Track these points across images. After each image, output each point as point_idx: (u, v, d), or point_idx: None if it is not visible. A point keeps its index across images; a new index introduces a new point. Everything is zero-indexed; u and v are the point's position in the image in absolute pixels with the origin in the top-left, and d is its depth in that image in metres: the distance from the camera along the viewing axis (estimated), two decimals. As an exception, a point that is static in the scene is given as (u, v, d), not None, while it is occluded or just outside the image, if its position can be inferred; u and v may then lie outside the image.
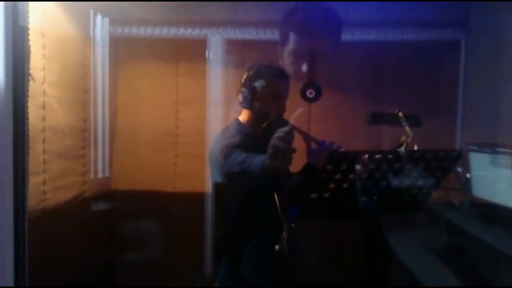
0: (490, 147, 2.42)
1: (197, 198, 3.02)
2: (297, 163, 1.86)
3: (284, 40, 2.76)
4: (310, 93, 2.86)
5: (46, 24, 2.42)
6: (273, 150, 1.56)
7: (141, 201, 3.26)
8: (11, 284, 0.99)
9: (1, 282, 0.99)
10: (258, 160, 1.71)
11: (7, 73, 0.90)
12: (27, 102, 0.97)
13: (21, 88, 0.93)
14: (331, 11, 2.77)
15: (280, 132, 1.58)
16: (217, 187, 2.07)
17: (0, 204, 0.92)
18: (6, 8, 0.92)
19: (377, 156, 1.58)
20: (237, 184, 1.94)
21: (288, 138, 1.58)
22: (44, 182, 2.50)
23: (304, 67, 2.67)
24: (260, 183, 1.80)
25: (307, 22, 2.73)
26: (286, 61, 2.66)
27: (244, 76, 2.06)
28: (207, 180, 2.86)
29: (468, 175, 2.52)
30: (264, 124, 1.99)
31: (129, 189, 3.30)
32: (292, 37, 2.67)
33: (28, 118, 0.97)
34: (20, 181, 0.93)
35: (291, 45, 2.57)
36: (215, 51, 3.17)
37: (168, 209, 3.30)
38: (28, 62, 0.94)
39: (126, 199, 3.28)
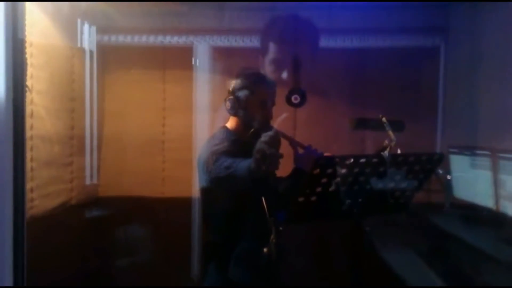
0: (469, 149, 2.49)
1: (185, 203, 3.05)
2: (284, 168, 1.90)
3: (264, 50, 2.83)
4: (295, 98, 2.93)
5: (33, 33, 2.43)
6: (258, 154, 1.60)
7: (129, 207, 3.26)
8: (11, 284, 1.02)
9: (1, 282, 1.02)
10: (244, 164, 1.74)
11: (7, 85, 0.93)
12: (25, 112, 1.00)
13: (21, 99, 0.96)
14: (308, 22, 2.84)
15: (265, 136, 1.61)
16: (205, 192, 2.10)
17: (1, 207, 0.95)
18: (7, 22, 0.95)
19: (362, 160, 1.64)
20: (224, 189, 1.97)
21: (272, 142, 1.61)
22: (31, 190, 2.50)
23: (285, 75, 2.74)
24: (246, 187, 1.82)
25: (285, 32, 2.81)
26: (267, 70, 2.73)
27: (232, 84, 2.09)
28: (194, 185, 2.89)
29: (449, 177, 2.58)
30: (251, 131, 2.03)
31: (116, 195, 3.31)
32: (271, 47, 2.74)
33: (25, 127, 1.00)
34: (20, 186, 0.97)
35: (271, 54, 2.64)
36: (201, 59, 3.21)
37: (156, 214, 3.31)
38: (25, 74, 0.98)
39: (113, 206, 3.28)
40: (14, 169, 0.95)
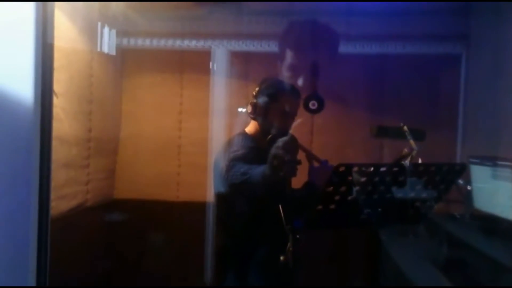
0: (491, 160, 2.44)
1: (200, 207, 3.04)
2: (296, 179, 1.89)
3: (282, 55, 2.82)
4: (313, 104, 2.90)
5: (55, 35, 2.45)
6: (272, 159, 1.58)
7: (144, 210, 3.27)
8: (34, 284, 1.03)
9: (25, 282, 1.02)
10: (260, 170, 1.72)
11: (36, 91, 0.93)
12: (52, 117, 1.00)
13: (49, 105, 0.97)
14: (327, 27, 2.83)
15: (280, 141, 1.60)
16: (220, 197, 2.08)
17: (26, 208, 0.96)
18: (37, 26, 0.96)
19: (382, 169, 1.61)
20: (240, 195, 1.96)
21: (287, 147, 1.59)
22: (49, 191, 2.51)
23: (302, 81, 2.72)
24: (262, 193, 1.81)
25: (303, 38, 2.79)
26: (284, 75, 2.72)
27: (257, 89, 2.07)
28: (209, 190, 2.88)
29: (469, 187, 2.54)
30: (269, 137, 2.00)
31: (132, 198, 3.32)
32: (289, 52, 2.73)
33: (52, 132, 1.01)
34: (45, 187, 0.97)
35: (288, 60, 2.63)
36: (219, 63, 3.21)
37: (171, 218, 3.31)
38: (53, 79, 0.98)
39: (128, 208, 3.29)
40: (40, 175, 0.96)
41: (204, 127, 3.12)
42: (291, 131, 2.08)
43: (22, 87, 0.97)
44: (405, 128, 1.74)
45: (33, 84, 0.95)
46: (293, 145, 1.63)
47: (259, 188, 1.74)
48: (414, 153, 1.64)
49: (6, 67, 0.97)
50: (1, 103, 0.96)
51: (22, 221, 1.01)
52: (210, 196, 2.86)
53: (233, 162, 1.88)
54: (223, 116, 3.07)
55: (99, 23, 2.89)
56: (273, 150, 1.59)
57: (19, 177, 1.00)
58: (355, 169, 1.58)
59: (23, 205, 1.01)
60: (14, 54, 0.97)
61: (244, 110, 2.08)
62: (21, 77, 0.96)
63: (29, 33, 0.98)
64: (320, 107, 2.91)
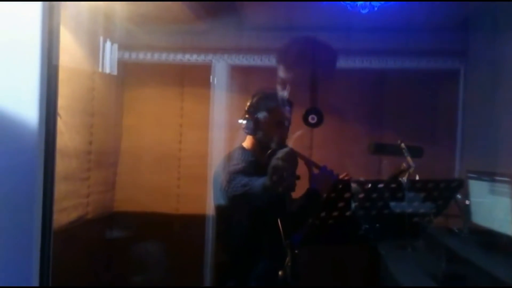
0: (489, 175, 2.45)
1: (199, 220, 3.05)
2: (299, 188, 1.90)
3: (281, 69, 2.85)
4: (312, 118, 2.92)
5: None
6: (272, 170, 1.60)
7: (144, 223, 3.28)
8: (37, 284, 1.05)
9: (28, 283, 1.05)
10: (260, 181, 1.74)
11: (41, 112, 0.95)
12: (56, 138, 1.03)
13: (53, 126, 0.99)
14: (325, 44, 2.86)
15: (280, 153, 1.62)
16: (220, 211, 2.09)
17: (30, 211, 0.98)
18: (42, 47, 0.98)
19: (380, 185, 1.62)
20: (241, 207, 1.97)
21: (287, 158, 1.61)
22: (49, 204, 2.51)
23: (301, 95, 2.74)
24: (262, 205, 1.82)
25: (302, 53, 2.82)
26: (283, 89, 2.74)
27: (248, 103, 2.10)
28: (209, 202, 2.89)
29: (467, 202, 2.54)
30: (268, 152, 2.02)
31: (132, 210, 3.33)
32: (288, 66, 2.76)
33: (56, 154, 1.03)
34: (49, 198, 0.99)
35: (287, 74, 2.65)
36: (219, 77, 3.24)
37: (170, 231, 3.31)
38: (57, 100, 1.00)
39: (129, 221, 3.29)
40: (44, 190, 0.98)
41: (204, 140, 3.14)
42: (290, 144, 2.11)
43: (27, 107, 0.99)
44: (403, 145, 1.75)
45: (38, 105, 0.97)
46: (292, 156, 1.65)
47: (260, 199, 1.76)
48: (411, 170, 1.66)
49: (11, 87, 0.99)
50: (6, 124, 0.98)
51: (26, 223, 1.03)
52: (210, 208, 2.88)
53: (233, 175, 1.90)
54: (223, 129, 3.09)
55: (101, 37, 2.92)
56: (273, 162, 1.61)
57: (23, 183, 1.03)
58: (354, 185, 1.60)
59: (28, 206, 1.03)
60: (20, 75, 0.99)
61: (243, 122, 2.10)
62: (26, 98, 0.98)
63: (35, 54, 1.00)
64: (319, 121, 2.94)
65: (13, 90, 0.96)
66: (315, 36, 2.94)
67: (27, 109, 0.98)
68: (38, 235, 1.05)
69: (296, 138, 2.18)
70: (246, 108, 2.10)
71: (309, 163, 2.15)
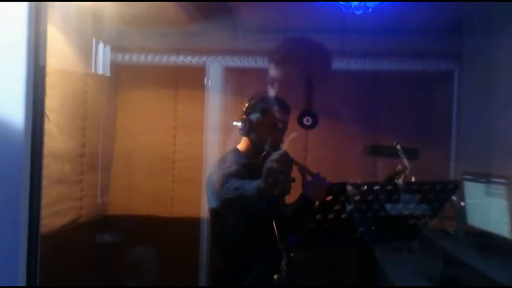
0: (484, 176, 2.45)
1: (194, 223, 3.04)
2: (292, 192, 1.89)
3: (275, 71, 2.84)
4: (307, 120, 2.92)
5: (48, 51, 2.45)
6: (267, 172, 1.58)
7: (138, 226, 3.26)
8: (24, 284, 1.04)
9: (15, 282, 1.03)
10: (254, 184, 1.72)
11: (27, 114, 0.94)
12: (43, 140, 1.01)
13: (40, 128, 0.97)
14: (320, 44, 2.85)
15: (274, 155, 1.60)
16: (214, 214, 2.08)
17: (17, 210, 0.96)
18: (28, 49, 0.96)
19: (376, 187, 1.61)
20: (234, 210, 1.95)
21: (281, 160, 1.59)
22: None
23: (296, 97, 2.73)
24: (256, 207, 1.80)
25: (295, 54, 2.82)
26: (277, 91, 2.73)
27: (246, 105, 2.09)
28: (203, 205, 2.87)
29: (462, 204, 2.54)
30: (263, 154, 2.01)
31: (126, 214, 3.31)
32: (281, 68, 2.75)
33: (43, 156, 1.01)
34: (36, 198, 0.97)
35: (281, 76, 2.65)
36: (213, 79, 3.23)
37: (164, 234, 3.30)
38: (44, 102, 0.98)
39: (122, 224, 3.28)
40: (31, 197, 0.96)
41: (199, 142, 3.13)
42: (285, 146, 2.09)
43: (13, 109, 0.97)
44: (398, 147, 1.74)
45: (24, 107, 0.95)
46: (286, 159, 1.63)
47: (253, 202, 1.73)
48: (407, 171, 1.65)
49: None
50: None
51: (13, 221, 1.02)
52: (204, 211, 2.87)
53: (226, 178, 1.88)
54: (217, 131, 3.08)
55: (94, 39, 2.90)
56: (267, 164, 1.59)
57: (9, 184, 1.01)
58: (349, 187, 1.58)
59: (15, 206, 1.02)
60: (5, 76, 0.98)
61: (238, 124, 2.09)
62: (12, 100, 0.96)
63: (21, 55, 0.98)
64: (314, 123, 2.93)
65: (-1, 92, 0.95)
66: (308, 36, 2.94)
67: (13, 111, 0.96)
68: (24, 234, 1.04)
69: (290, 140, 2.16)
70: (243, 109, 2.09)
71: (303, 170, 2.12)
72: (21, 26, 0.97)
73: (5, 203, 1.00)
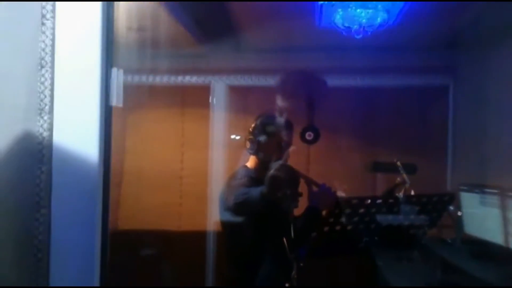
0: (479, 187, 2.55)
1: (200, 236, 3.12)
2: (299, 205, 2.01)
3: (279, 89, 2.96)
4: (309, 135, 3.03)
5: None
6: (269, 180, 1.73)
7: (147, 240, 3.33)
8: (98, 284, 1.16)
9: (90, 283, 1.15)
10: (258, 189, 1.89)
11: (100, 151, 1.09)
12: (111, 171, 1.16)
13: (108, 163, 1.12)
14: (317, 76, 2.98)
15: (274, 165, 1.75)
16: (228, 228, 2.18)
17: (91, 216, 1.09)
18: (101, 89, 1.11)
19: (378, 201, 1.73)
20: (243, 214, 2.06)
21: (280, 168, 1.75)
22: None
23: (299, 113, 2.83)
24: (261, 209, 1.93)
25: (297, 87, 2.95)
26: (281, 108, 2.86)
27: (252, 126, 2.21)
28: (210, 219, 2.98)
29: (459, 213, 2.63)
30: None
31: (135, 228, 3.38)
32: (286, 98, 2.88)
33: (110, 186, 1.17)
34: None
35: (285, 94, 2.77)
36: (218, 97, 3.35)
37: (173, 247, 3.37)
38: (111, 137, 1.15)
39: (132, 238, 3.34)
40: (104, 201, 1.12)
41: (205, 158, 3.22)
42: (284, 159, 2.21)
43: (88, 144, 1.16)
44: (398, 163, 1.86)
45: (98, 146, 1.11)
46: (285, 168, 1.79)
47: (258, 204, 1.89)
48: (406, 186, 1.76)
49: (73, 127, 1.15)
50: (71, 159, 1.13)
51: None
52: (210, 225, 2.96)
53: (236, 188, 2.03)
54: (222, 148, 3.18)
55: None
56: (269, 173, 1.75)
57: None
58: (354, 201, 1.70)
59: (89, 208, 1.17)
60: (81, 115, 1.17)
61: (237, 137, 2.21)
62: (86, 136, 1.16)
63: (95, 96, 1.16)
64: (316, 138, 3.04)
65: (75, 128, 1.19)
66: (305, 69, 3.06)
67: (89, 145, 1.14)
68: (99, 237, 1.17)
69: (288, 153, 2.27)
70: (250, 130, 2.21)
71: (308, 181, 2.23)
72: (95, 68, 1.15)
73: (83, 208, 1.14)
